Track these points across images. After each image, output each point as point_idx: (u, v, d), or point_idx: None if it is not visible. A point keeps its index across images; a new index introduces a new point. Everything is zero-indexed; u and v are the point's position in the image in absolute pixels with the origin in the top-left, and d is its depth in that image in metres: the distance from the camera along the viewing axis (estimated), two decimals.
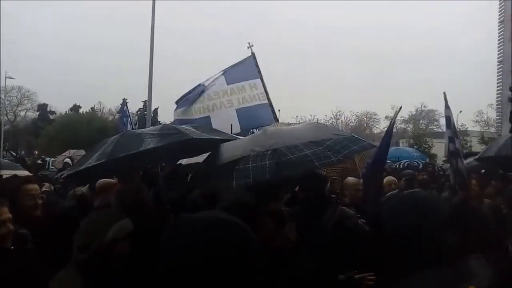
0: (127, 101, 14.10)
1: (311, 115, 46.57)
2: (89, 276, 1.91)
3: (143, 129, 4.48)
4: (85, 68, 75.30)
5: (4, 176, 4.58)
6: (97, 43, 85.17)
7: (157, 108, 54.20)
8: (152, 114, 38.08)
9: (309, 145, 3.28)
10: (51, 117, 54.44)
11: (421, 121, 52.70)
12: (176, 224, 1.08)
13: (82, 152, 11.81)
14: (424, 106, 51.16)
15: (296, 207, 3.63)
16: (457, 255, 1.69)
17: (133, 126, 12.86)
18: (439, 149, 30.96)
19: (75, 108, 55.64)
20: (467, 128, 44.60)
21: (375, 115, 54.03)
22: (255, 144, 2.72)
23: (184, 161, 5.88)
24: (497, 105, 43.65)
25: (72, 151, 15.40)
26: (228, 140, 3.38)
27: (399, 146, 16.81)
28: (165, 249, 1.06)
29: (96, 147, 3.30)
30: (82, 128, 34.69)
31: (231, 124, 6.48)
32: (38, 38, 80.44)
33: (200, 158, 4.21)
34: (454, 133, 4.73)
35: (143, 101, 48.28)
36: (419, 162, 11.25)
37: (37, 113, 57.15)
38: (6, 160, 10.58)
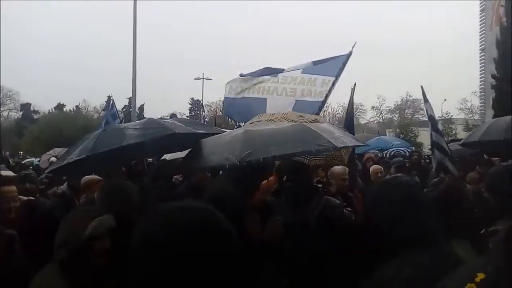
0: (112, 98, 13.92)
1: None
2: (69, 273, 1.88)
3: (126, 124, 4.39)
4: (69, 66, 74.21)
5: None
6: (80, 41, 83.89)
7: (143, 105, 53.75)
8: (138, 111, 37.68)
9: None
10: (35, 116, 53.61)
11: (406, 111, 53.20)
12: (145, 214, 1.06)
13: None
14: (410, 96, 51.63)
15: (282, 198, 3.64)
16: (441, 238, 1.70)
17: (121, 122, 12.67)
18: (425, 137, 31.32)
19: (60, 106, 54.93)
20: (452, 116, 45.28)
21: (361, 106, 54.38)
22: (231, 151, 2.65)
23: (168, 157, 5.82)
24: (480, 92, 44.29)
25: (57, 150, 15.12)
26: (212, 134, 3.33)
27: (381, 136, 16.89)
28: (132, 240, 1.03)
29: (78, 143, 3.23)
30: (67, 127, 34.15)
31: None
32: (18, 37, 78.92)
33: (184, 154, 4.16)
34: (433, 124, 4.83)
35: (128, 98, 47.78)
36: (405, 150, 11.33)
37: (21, 112, 56.23)
38: None
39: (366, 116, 54.02)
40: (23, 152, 35.22)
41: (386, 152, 11.18)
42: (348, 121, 4.88)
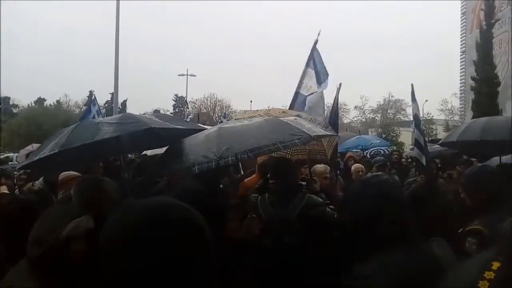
0: (94, 93, 13.73)
1: (283, 105, 46.66)
2: (40, 271, 1.82)
3: (102, 118, 4.30)
4: (51, 60, 72.75)
5: None
6: (62, 34, 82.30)
7: (126, 100, 53.08)
8: (120, 107, 37.22)
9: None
10: (14, 110, 52.33)
11: (389, 111, 53.84)
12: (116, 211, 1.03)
13: None
14: (392, 96, 52.27)
15: (265, 195, 3.62)
16: (418, 237, 1.71)
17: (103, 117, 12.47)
18: (406, 137, 31.84)
19: (40, 101, 53.77)
20: (433, 116, 45.95)
21: (345, 105, 54.78)
22: (208, 148, 2.65)
23: (149, 153, 5.76)
24: (460, 94, 45.10)
25: (35, 145, 14.81)
26: (192, 130, 3.28)
27: (361, 135, 17.08)
28: (101, 238, 1.00)
29: (51, 137, 3.13)
30: (46, 122, 33.44)
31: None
32: None
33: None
34: (417, 124, 4.93)
35: (110, 93, 47.12)
36: (385, 150, 11.48)
37: None
38: None
39: (350, 116, 54.45)
40: (1, 147, 34.36)
41: (367, 151, 11.32)
42: (333, 119, 4.90)
